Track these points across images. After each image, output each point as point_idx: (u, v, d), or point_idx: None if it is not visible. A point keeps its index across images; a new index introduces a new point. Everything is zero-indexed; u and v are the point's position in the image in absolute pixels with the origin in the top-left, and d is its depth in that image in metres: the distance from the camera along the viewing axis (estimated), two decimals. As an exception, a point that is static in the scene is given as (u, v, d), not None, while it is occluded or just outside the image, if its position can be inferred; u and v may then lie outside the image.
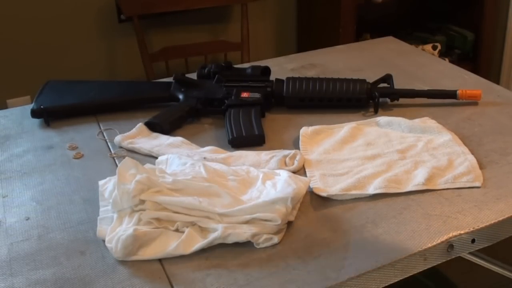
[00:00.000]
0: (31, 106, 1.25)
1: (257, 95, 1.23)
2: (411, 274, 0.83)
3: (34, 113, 1.23)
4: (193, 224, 0.85)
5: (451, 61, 2.48)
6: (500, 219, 0.88)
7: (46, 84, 1.32)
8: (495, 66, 2.87)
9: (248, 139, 1.12)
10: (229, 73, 1.29)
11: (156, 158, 1.06)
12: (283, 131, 1.17)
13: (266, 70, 1.30)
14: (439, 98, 1.26)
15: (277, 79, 1.27)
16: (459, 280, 1.84)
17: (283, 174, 0.95)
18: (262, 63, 1.43)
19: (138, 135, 1.14)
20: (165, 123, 1.17)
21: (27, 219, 0.92)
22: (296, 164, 1.02)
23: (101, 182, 0.98)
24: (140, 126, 1.16)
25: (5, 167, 1.08)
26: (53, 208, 0.95)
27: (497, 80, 2.85)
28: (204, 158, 1.04)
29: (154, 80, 1.52)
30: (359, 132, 1.13)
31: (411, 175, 0.98)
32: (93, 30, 2.34)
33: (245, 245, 0.83)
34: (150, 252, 0.82)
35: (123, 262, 0.81)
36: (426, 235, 0.85)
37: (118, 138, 1.13)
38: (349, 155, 1.06)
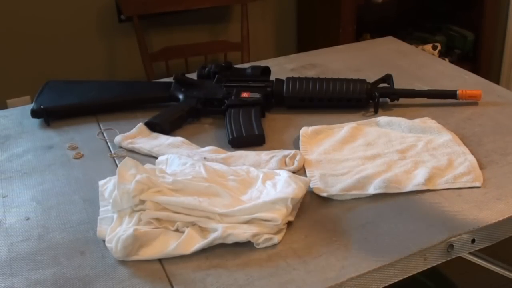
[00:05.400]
0: (31, 106, 1.25)
1: (257, 95, 1.23)
2: (411, 274, 0.83)
3: (34, 113, 1.23)
4: (193, 224, 0.85)
5: (451, 61, 2.48)
6: (500, 219, 0.88)
7: (46, 84, 1.32)
8: (495, 66, 2.87)
9: (248, 139, 1.12)
10: (229, 73, 1.29)
11: (156, 158, 1.06)
12: (283, 131, 1.17)
13: (266, 70, 1.30)
14: (439, 98, 1.26)
15: (277, 79, 1.27)
16: (459, 280, 1.84)
17: (283, 174, 0.95)
18: (262, 63, 1.43)
19: (138, 135, 1.14)
20: (165, 123, 1.17)
21: (27, 219, 0.92)
22: (296, 164, 1.02)
23: (101, 182, 0.98)
24: (140, 126, 1.16)
25: (5, 167, 1.08)
26: (53, 208, 0.95)
27: (497, 80, 2.86)
28: (204, 158, 1.04)
29: (154, 80, 1.52)
30: (359, 132, 1.13)
31: (411, 175, 0.98)
32: (93, 30, 2.34)
33: (245, 245, 0.83)
34: (150, 252, 0.82)
35: (123, 262, 0.81)
36: (426, 235, 0.85)
37: (118, 138, 1.13)
38: (349, 155, 1.06)
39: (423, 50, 2.49)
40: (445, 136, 1.09)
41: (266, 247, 0.83)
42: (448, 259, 0.85)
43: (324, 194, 0.94)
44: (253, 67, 1.30)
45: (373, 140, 1.10)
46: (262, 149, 1.09)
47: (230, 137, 1.12)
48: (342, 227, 0.87)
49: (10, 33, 2.20)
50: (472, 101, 1.25)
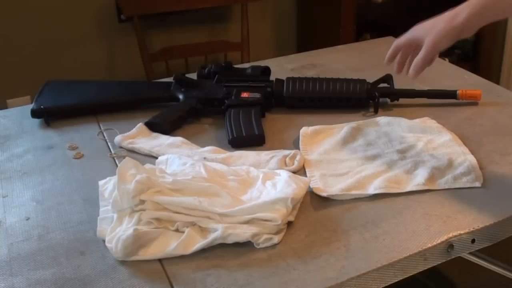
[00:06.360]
0: (31, 106, 1.25)
1: (257, 95, 1.23)
2: (411, 274, 0.83)
3: (34, 113, 1.23)
4: (193, 224, 0.85)
5: (451, 61, 2.47)
6: (500, 219, 0.88)
7: (46, 84, 1.32)
8: (495, 66, 2.87)
9: (248, 139, 1.12)
10: (229, 73, 1.29)
11: (156, 158, 1.06)
12: (283, 131, 1.17)
13: (266, 70, 1.30)
14: (439, 98, 1.26)
15: (277, 79, 1.27)
16: (459, 280, 1.84)
17: (283, 174, 0.95)
18: (262, 63, 1.43)
19: (138, 135, 1.14)
20: (165, 123, 1.17)
21: (27, 219, 0.92)
22: (296, 164, 1.02)
23: (101, 182, 0.98)
24: (140, 126, 1.16)
25: (5, 167, 1.08)
26: (53, 208, 0.95)
27: (497, 80, 2.86)
28: (204, 158, 1.04)
29: (154, 80, 1.52)
30: (359, 132, 1.13)
31: (411, 175, 0.98)
32: (93, 30, 2.34)
33: (245, 245, 0.83)
34: (150, 252, 0.82)
35: (123, 262, 0.81)
36: (426, 235, 0.85)
37: (118, 138, 1.13)
38: (349, 155, 1.06)
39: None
40: (445, 136, 1.09)
41: (266, 247, 0.83)
42: (448, 259, 0.85)
43: (324, 194, 0.94)
44: (253, 67, 1.30)
45: (373, 140, 1.10)
46: (262, 149, 1.09)
47: (230, 137, 1.12)
48: (342, 227, 0.87)
49: (10, 33, 2.20)
50: (472, 101, 1.25)
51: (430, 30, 0.98)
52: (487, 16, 0.96)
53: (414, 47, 1.02)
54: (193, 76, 1.33)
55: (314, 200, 0.94)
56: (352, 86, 1.23)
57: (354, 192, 0.94)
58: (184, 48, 2.28)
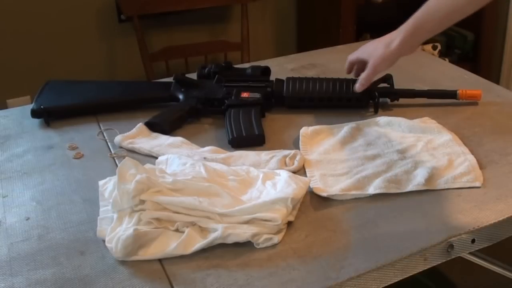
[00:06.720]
0: (31, 106, 1.25)
1: (257, 95, 1.23)
2: (411, 274, 0.83)
3: (34, 113, 1.23)
4: (193, 224, 0.85)
5: (451, 61, 2.48)
6: (500, 219, 0.88)
7: (46, 84, 1.32)
8: (495, 66, 2.87)
9: (248, 139, 1.12)
10: (229, 73, 1.29)
11: (156, 158, 1.06)
12: (283, 131, 1.17)
13: (266, 70, 1.30)
14: (439, 98, 1.26)
15: (277, 79, 1.27)
16: (459, 280, 1.84)
17: (283, 174, 0.95)
18: (262, 63, 1.43)
19: (138, 135, 1.14)
20: (165, 123, 1.17)
21: (27, 219, 0.92)
22: (296, 164, 1.02)
23: (101, 182, 0.98)
24: (140, 126, 1.16)
25: (5, 167, 1.08)
26: (53, 208, 0.95)
27: (497, 80, 2.85)
28: (204, 158, 1.04)
29: (154, 80, 1.52)
30: (359, 132, 1.13)
31: (411, 175, 0.98)
32: (93, 30, 2.34)
33: (245, 245, 0.83)
34: (150, 252, 0.82)
35: (123, 262, 0.81)
36: (426, 235, 0.85)
37: (118, 138, 1.13)
38: (349, 155, 1.06)
39: (423, 50, 2.48)
40: (445, 136, 1.09)
41: (266, 247, 0.83)
42: (448, 259, 0.85)
43: (324, 194, 0.94)
44: (253, 67, 1.30)
45: (373, 140, 1.10)
46: (262, 149, 1.09)
47: (230, 137, 1.12)
48: (342, 227, 0.87)
49: (10, 33, 2.20)
50: (472, 101, 1.25)
51: (371, 55, 1.15)
52: (420, 36, 1.10)
53: (362, 62, 1.20)
54: (193, 76, 1.33)
55: (314, 200, 0.94)
56: (352, 86, 1.23)
57: (354, 192, 0.94)
58: (184, 48, 2.28)
